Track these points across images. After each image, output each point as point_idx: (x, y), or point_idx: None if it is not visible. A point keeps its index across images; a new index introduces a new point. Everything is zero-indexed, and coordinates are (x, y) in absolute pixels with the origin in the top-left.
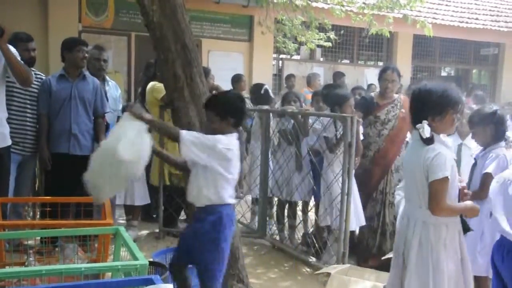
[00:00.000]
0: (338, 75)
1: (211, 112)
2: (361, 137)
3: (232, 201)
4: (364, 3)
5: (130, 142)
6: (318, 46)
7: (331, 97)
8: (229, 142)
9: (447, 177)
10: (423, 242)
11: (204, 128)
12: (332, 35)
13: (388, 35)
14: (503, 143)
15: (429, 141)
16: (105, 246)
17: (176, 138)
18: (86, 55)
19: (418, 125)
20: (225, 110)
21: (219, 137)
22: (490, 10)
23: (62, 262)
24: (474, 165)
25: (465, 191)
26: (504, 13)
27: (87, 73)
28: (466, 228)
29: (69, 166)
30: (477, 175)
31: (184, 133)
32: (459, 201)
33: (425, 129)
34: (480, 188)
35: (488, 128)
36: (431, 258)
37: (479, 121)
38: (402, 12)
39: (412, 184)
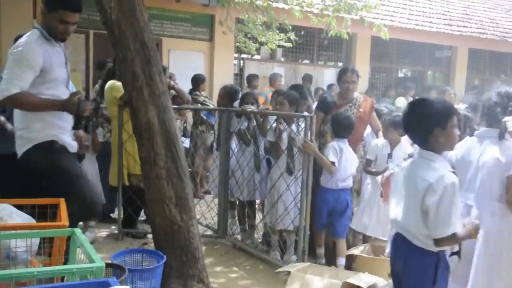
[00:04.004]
0: (306, 78)
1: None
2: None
3: None
4: (324, 4)
5: None
6: (278, 46)
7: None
8: None
9: None
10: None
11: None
12: (292, 35)
13: (347, 37)
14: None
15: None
16: (60, 249)
17: None
18: None
19: (507, 118)
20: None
21: None
22: (443, 14)
23: (13, 267)
24: None
25: None
26: (456, 17)
27: None
28: None
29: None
30: None
31: None
32: None
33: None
34: None
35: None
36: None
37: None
38: (360, 15)
39: (488, 179)
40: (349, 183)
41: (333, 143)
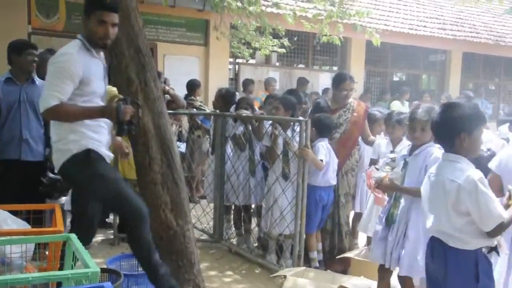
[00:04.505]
0: (301, 81)
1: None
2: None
3: None
4: (318, 8)
5: None
6: (273, 51)
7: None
8: None
9: None
10: None
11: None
12: (286, 41)
13: (339, 43)
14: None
15: None
16: (56, 254)
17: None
18: (36, 58)
19: None
20: None
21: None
22: (436, 19)
23: (8, 273)
24: None
25: None
26: (449, 21)
27: (36, 77)
28: None
29: (20, 172)
30: None
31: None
32: None
33: None
34: None
35: None
36: None
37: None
38: (354, 20)
39: None
40: (335, 179)
41: (322, 142)
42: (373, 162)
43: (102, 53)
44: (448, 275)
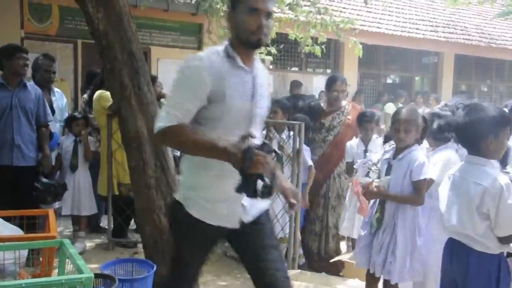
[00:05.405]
0: (294, 84)
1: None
2: (309, 163)
3: None
4: (299, 18)
5: None
6: (261, 60)
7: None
8: None
9: None
10: None
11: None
12: (273, 49)
13: (319, 54)
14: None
15: None
16: (49, 260)
17: None
18: (27, 62)
19: None
20: None
21: None
22: (429, 21)
23: (1, 280)
24: None
25: None
26: (442, 24)
27: (29, 82)
28: None
29: (12, 178)
30: None
31: None
32: None
33: None
34: None
35: None
36: None
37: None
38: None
39: None
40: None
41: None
42: (349, 165)
43: (257, 63)
44: (469, 278)
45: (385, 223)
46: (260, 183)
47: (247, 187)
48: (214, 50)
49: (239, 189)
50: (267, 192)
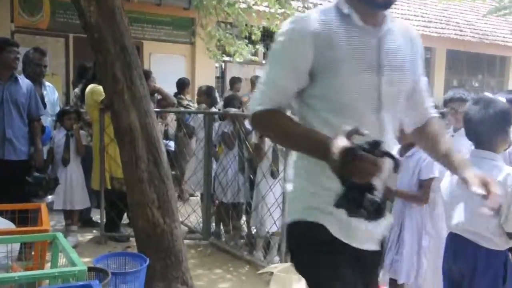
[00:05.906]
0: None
1: None
2: None
3: None
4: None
5: None
6: (252, 60)
7: None
8: None
9: None
10: None
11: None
12: (261, 47)
13: None
14: None
15: None
16: (42, 254)
17: None
18: (18, 55)
19: None
20: None
21: None
22: (421, 16)
23: None
24: None
25: None
26: (434, 19)
27: (20, 75)
28: None
29: (3, 172)
30: None
31: None
32: None
33: None
34: None
35: None
36: None
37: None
38: None
39: None
40: None
41: None
42: None
43: (389, 22)
44: (477, 275)
45: (392, 222)
46: (368, 198)
47: (348, 200)
48: (323, 8)
49: (339, 204)
50: (373, 210)
